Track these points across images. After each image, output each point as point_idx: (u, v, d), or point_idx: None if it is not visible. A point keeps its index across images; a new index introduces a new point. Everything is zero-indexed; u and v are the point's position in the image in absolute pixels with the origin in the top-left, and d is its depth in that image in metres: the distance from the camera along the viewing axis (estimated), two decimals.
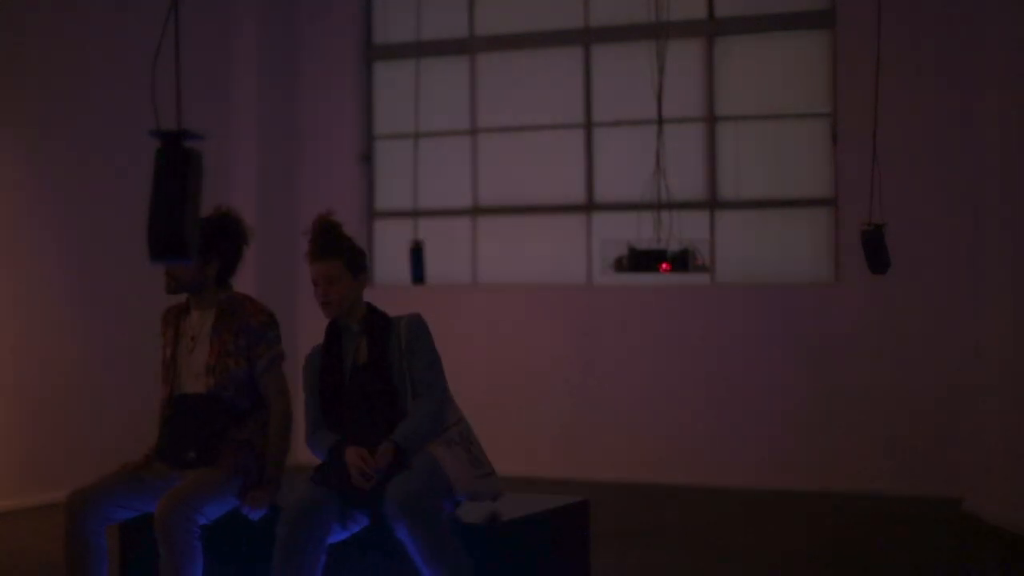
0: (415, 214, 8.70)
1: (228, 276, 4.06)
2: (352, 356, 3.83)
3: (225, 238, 4.01)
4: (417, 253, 7.85)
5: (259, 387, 3.97)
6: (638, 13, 8.13)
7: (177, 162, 2.45)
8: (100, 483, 3.84)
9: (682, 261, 7.27)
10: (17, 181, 7.02)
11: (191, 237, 2.44)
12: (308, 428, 3.85)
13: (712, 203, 8.21)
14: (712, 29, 8.26)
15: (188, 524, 3.63)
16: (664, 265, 7.26)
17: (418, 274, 7.84)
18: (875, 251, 5.65)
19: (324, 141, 9.02)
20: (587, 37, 8.58)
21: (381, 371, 3.79)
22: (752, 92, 8.24)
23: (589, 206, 8.55)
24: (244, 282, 4.24)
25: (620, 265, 7.46)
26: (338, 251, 3.81)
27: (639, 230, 7.56)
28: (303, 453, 4.32)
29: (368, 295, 3.96)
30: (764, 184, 8.17)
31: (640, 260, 7.32)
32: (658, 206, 7.46)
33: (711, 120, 8.25)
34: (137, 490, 3.85)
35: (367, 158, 9.12)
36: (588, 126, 8.57)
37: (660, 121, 7.54)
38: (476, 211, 8.83)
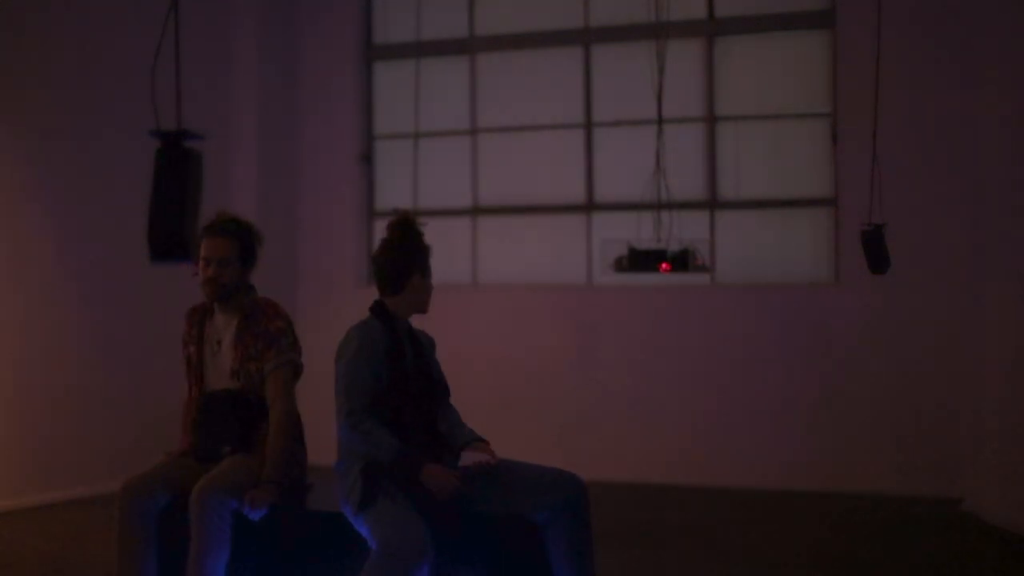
0: (415, 214, 8.65)
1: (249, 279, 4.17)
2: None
3: (258, 243, 4.13)
4: None
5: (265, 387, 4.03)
6: (638, 13, 8.14)
7: (177, 162, 2.45)
8: (152, 471, 3.92)
9: (682, 261, 7.27)
10: (18, 182, 7.02)
11: (191, 237, 2.45)
12: (352, 406, 3.61)
13: (712, 203, 8.21)
14: (712, 29, 8.26)
15: (221, 509, 3.69)
16: (664, 265, 7.27)
17: None
18: (875, 251, 5.65)
19: (324, 141, 9.02)
20: (587, 37, 8.58)
21: (434, 370, 3.91)
22: (752, 92, 8.24)
23: (589, 206, 8.55)
24: None
25: (620, 265, 7.46)
26: None
27: (639, 230, 7.56)
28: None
29: (369, 295, 3.98)
30: (764, 184, 8.17)
31: (640, 260, 7.33)
32: (658, 206, 7.47)
33: (711, 120, 8.25)
34: (183, 477, 3.92)
35: (367, 158, 9.12)
36: (588, 126, 8.57)
37: (660, 121, 7.55)
38: (476, 211, 8.83)
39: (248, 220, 4.18)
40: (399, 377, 3.72)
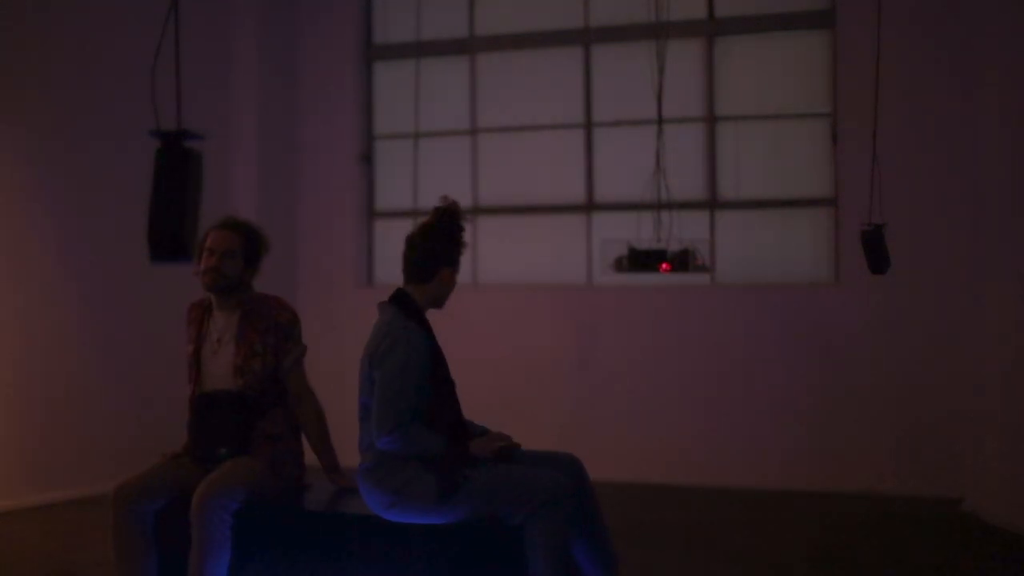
0: (415, 214, 8.69)
1: (251, 279, 4.22)
2: None
3: (263, 248, 4.18)
4: None
5: (285, 382, 4.09)
6: (638, 13, 8.14)
7: (177, 162, 2.45)
8: (145, 474, 3.93)
9: (682, 261, 7.28)
10: (18, 182, 7.01)
11: (191, 237, 2.45)
12: (400, 419, 3.57)
13: (712, 203, 8.21)
14: (712, 29, 8.26)
15: (222, 512, 3.71)
16: (664, 265, 7.27)
17: None
18: (875, 251, 5.65)
19: (324, 141, 9.02)
20: (587, 37, 8.58)
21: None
22: (752, 92, 8.24)
23: (589, 206, 8.55)
24: None
25: (620, 265, 7.46)
26: None
27: (639, 230, 7.56)
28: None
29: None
30: (764, 184, 8.17)
31: (640, 260, 7.33)
32: (658, 206, 7.47)
33: (711, 120, 8.25)
34: (179, 478, 3.93)
35: (367, 158, 9.12)
36: (588, 126, 8.57)
37: (660, 121, 7.55)
38: (476, 211, 8.83)
39: (258, 226, 4.22)
40: (443, 383, 3.74)
